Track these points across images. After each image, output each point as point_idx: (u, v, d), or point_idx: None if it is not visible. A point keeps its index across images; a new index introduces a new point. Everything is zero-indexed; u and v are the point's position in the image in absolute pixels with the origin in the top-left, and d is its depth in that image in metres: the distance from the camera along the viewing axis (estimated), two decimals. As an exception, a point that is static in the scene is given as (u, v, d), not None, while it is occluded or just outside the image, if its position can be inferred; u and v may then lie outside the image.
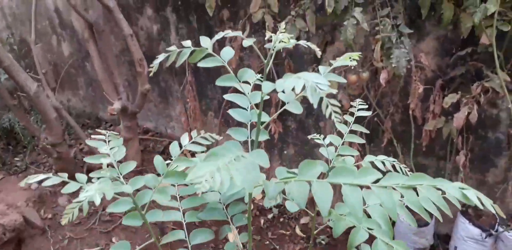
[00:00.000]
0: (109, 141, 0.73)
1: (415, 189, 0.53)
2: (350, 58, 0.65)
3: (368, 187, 0.52)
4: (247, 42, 0.64)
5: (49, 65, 3.88)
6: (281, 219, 2.46)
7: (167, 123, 3.24)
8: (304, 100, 2.09)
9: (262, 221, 2.43)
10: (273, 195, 0.57)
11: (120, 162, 0.74)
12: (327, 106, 0.47)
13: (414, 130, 1.93)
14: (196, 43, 2.32)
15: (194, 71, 2.65)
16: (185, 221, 0.77)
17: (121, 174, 0.71)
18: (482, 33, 1.51)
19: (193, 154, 2.81)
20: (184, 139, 0.74)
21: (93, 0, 2.37)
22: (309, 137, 0.88)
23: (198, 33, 2.51)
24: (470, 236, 1.90)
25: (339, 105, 0.50)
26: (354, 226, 0.69)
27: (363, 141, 0.88)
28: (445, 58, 1.75)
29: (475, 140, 1.84)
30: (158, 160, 0.72)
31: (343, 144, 0.91)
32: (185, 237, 0.76)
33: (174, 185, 0.79)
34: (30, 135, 3.28)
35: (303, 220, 2.42)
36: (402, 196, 0.80)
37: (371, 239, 0.67)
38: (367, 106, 0.92)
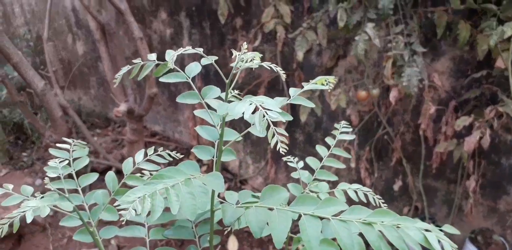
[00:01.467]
0: (73, 151, 0.74)
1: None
2: (326, 81, 0.63)
3: (328, 219, 0.50)
4: (206, 60, 0.63)
5: (61, 63, 3.96)
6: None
7: (175, 128, 3.26)
8: (312, 113, 2.08)
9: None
10: (230, 221, 0.56)
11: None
12: (273, 135, 0.46)
13: (425, 150, 1.90)
14: (208, 50, 2.34)
15: (204, 76, 2.66)
16: (148, 238, 0.76)
17: (80, 186, 0.71)
18: (498, 56, 1.48)
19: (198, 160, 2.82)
20: (139, 156, 0.73)
21: (107, 2, 2.41)
22: (284, 159, 0.86)
23: (211, 40, 2.52)
24: (476, 265, 1.86)
25: (286, 134, 0.48)
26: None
27: (343, 166, 0.86)
28: (460, 79, 1.72)
29: (487, 165, 1.79)
30: (109, 177, 0.71)
31: (322, 167, 0.88)
32: None
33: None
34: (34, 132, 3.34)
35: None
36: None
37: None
38: (351, 129, 0.90)
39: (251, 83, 2.35)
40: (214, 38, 2.48)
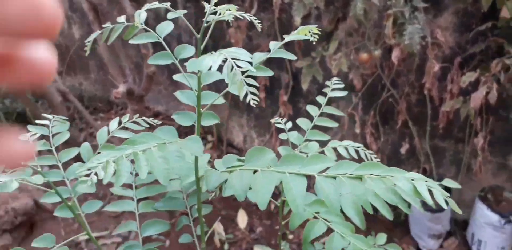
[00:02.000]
0: (53, 126, 0.70)
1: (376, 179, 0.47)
2: (310, 31, 0.57)
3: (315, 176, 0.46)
4: (173, 14, 0.58)
5: (58, 48, 3.90)
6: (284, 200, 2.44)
7: (177, 107, 3.23)
8: (315, 80, 2.04)
9: (272, 206, 2.41)
10: (214, 186, 0.52)
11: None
12: (241, 86, 0.41)
13: (431, 110, 1.86)
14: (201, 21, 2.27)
15: (204, 50, 2.61)
16: (138, 211, 0.72)
17: (60, 161, 0.68)
18: (503, 6, 1.42)
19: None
20: (113, 124, 0.69)
21: (97, -20, 2.35)
22: (272, 120, 0.82)
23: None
24: (488, 223, 1.84)
25: (257, 85, 0.44)
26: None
27: (335, 125, 0.82)
28: (464, 33, 1.66)
29: (495, 121, 1.76)
30: (84, 148, 0.68)
31: (313, 127, 0.84)
32: (137, 229, 0.71)
33: (132, 173, 0.75)
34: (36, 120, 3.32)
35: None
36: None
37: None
38: (343, 85, 0.85)
39: (251, 54, 2.30)
40: (209, 10, 2.42)
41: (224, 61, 0.41)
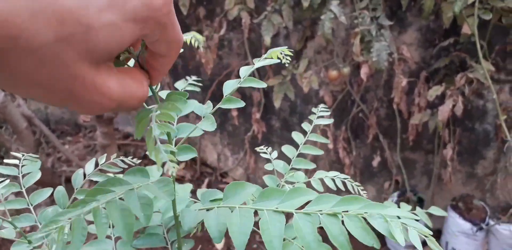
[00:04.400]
0: (23, 166, 0.63)
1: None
2: (281, 53, 0.52)
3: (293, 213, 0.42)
4: None
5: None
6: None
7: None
8: (286, 98, 2.02)
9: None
10: (190, 226, 0.47)
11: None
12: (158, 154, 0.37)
13: (400, 124, 1.87)
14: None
15: (172, 71, 2.55)
16: None
17: (31, 204, 0.61)
18: (464, 22, 1.45)
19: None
20: (89, 167, 0.62)
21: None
22: (257, 149, 0.78)
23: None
24: (460, 231, 1.85)
25: (175, 150, 0.39)
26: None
27: (321, 152, 0.78)
28: (429, 49, 1.69)
29: (462, 132, 1.78)
30: (58, 193, 0.61)
31: (298, 156, 0.81)
32: None
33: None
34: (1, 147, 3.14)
35: (292, 221, 2.35)
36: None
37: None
38: (329, 113, 0.82)
39: (221, 74, 2.27)
40: (177, 31, 2.38)
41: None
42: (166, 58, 0.35)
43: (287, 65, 0.57)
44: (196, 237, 2.27)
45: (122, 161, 0.62)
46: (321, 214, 0.40)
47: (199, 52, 2.11)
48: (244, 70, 0.54)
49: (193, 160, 2.81)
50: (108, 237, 0.64)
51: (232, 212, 0.42)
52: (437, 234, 2.11)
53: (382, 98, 1.90)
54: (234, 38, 2.15)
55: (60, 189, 0.60)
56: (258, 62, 0.51)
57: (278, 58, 0.54)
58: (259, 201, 0.43)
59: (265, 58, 0.52)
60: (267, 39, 1.84)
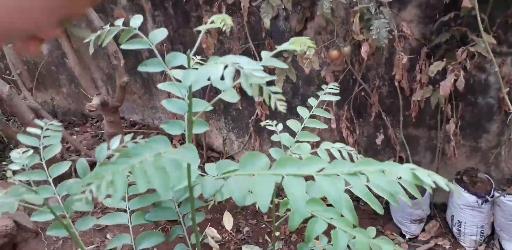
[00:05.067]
0: (45, 136, 0.63)
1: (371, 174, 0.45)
2: (303, 44, 0.54)
3: (313, 177, 0.44)
4: (137, 20, 0.54)
5: (26, 65, 3.73)
6: (276, 202, 2.40)
7: (153, 115, 3.14)
8: (288, 80, 2.00)
9: (256, 205, 2.37)
10: (211, 193, 0.49)
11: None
12: (269, 96, 0.38)
13: (402, 101, 1.86)
14: (174, 30, 2.21)
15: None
16: (131, 224, 0.67)
17: (50, 177, 0.61)
18: (464, -5, 1.42)
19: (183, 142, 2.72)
20: (115, 142, 0.63)
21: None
22: (262, 123, 0.79)
23: (175, 19, 2.39)
24: (466, 204, 1.86)
25: (281, 91, 0.41)
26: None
27: (324, 126, 0.79)
28: (429, 25, 1.66)
29: (465, 107, 1.77)
30: (80, 164, 0.62)
31: (303, 129, 0.81)
32: (131, 242, 0.66)
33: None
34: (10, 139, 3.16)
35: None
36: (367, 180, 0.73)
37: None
38: (338, 91, 0.82)
39: (222, 59, 2.25)
40: (178, 17, 2.35)
41: (237, 70, 0.38)
42: None
43: (308, 53, 0.59)
44: (206, 219, 2.29)
45: (135, 142, 0.62)
46: (343, 174, 0.43)
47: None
48: (265, 53, 0.56)
49: (199, 145, 2.82)
50: (123, 210, 0.65)
51: (251, 178, 0.45)
52: (443, 208, 2.12)
53: (383, 76, 1.88)
54: (234, 22, 2.12)
55: (82, 161, 0.61)
56: (281, 47, 0.54)
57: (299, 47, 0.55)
58: (276, 168, 0.45)
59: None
60: (267, 22, 1.81)
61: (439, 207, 2.12)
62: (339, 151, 0.79)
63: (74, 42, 2.40)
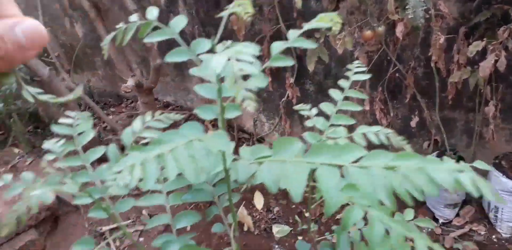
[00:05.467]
0: (77, 125, 0.67)
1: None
2: (331, 20, 0.53)
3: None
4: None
5: (63, 48, 3.86)
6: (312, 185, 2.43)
7: (186, 96, 3.20)
8: (320, 61, 1.99)
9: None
10: (244, 179, 0.50)
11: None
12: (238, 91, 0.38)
13: (439, 83, 1.82)
14: (205, 13, 2.22)
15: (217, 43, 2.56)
16: (169, 204, 0.71)
17: (87, 161, 0.65)
18: (508, -30, 1.36)
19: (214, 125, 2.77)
20: (137, 124, 0.65)
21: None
22: (295, 107, 0.78)
23: (206, 2, 2.40)
24: (504, 190, 1.82)
25: (253, 90, 0.41)
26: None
27: (359, 108, 0.78)
28: (468, 3, 1.60)
29: (505, 88, 1.71)
30: (110, 149, 0.65)
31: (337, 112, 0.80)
32: (169, 221, 0.70)
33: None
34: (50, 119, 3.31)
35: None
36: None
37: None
38: (365, 69, 0.81)
39: (254, 40, 2.25)
40: (209, -1, 2.36)
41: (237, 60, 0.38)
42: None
43: (336, 33, 0.59)
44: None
45: (167, 117, 0.65)
46: (378, 168, 0.42)
47: (230, 20, 2.10)
48: (293, 33, 0.57)
49: (231, 126, 2.87)
50: (158, 191, 0.69)
51: (284, 165, 0.44)
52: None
53: (419, 57, 1.84)
54: (265, 3, 2.11)
55: (112, 146, 0.64)
56: (308, 25, 0.54)
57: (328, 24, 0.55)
58: (310, 155, 0.45)
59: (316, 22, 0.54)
60: (298, 2, 1.80)
61: (475, 192, 2.08)
62: (376, 135, 0.78)
63: (108, 25, 2.46)
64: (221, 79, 0.53)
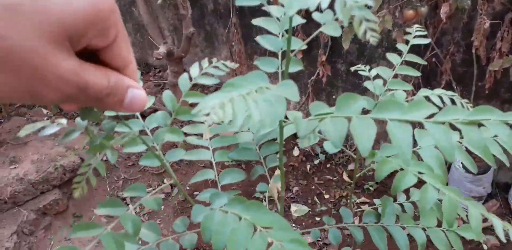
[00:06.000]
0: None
1: (479, 126, 0.41)
2: None
3: (419, 124, 0.41)
4: None
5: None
6: (328, 165, 2.44)
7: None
8: (355, 40, 1.97)
9: (308, 167, 2.42)
10: (305, 134, 0.49)
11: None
12: (360, 23, 0.35)
13: (477, 70, 1.77)
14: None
15: (239, 12, 2.55)
16: (214, 160, 0.72)
17: (148, 128, 0.68)
18: None
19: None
20: (194, 70, 0.66)
21: None
22: (352, 68, 0.78)
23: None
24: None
25: (377, 20, 0.39)
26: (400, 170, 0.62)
27: (418, 74, 0.77)
28: (519, -13, 1.54)
29: (547, 81, 1.66)
30: (167, 96, 0.67)
31: (394, 77, 0.79)
32: (215, 177, 0.72)
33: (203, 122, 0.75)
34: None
35: (351, 166, 2.39)
36: (460, 137, 0.72)
37: (419, 185, 0.61)
38: (426, 32, 0.80)
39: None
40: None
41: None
42: (131, 66, 0.35)
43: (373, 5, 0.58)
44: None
45: (224, 64, 0.65)
46: (458, 123, 0.40)
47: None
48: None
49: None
50: (206, 148, 0.72)
51: (351, 120, 0.44)
52: (505, 187, 2.05)
53: (459, 42, 1.79)
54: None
55: (167, 93, 0.66)
56: None
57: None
58: (376, 112, 0.44)
59: None
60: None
61: (501, 186, 2.06)
62: (440, 97, 0.77)
63: (143, -10, 2.47)
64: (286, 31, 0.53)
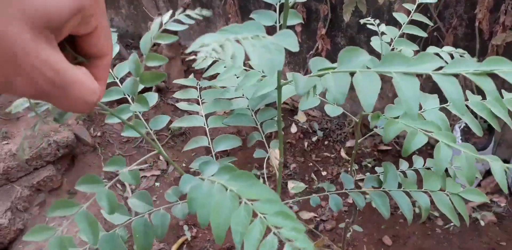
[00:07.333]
0: None
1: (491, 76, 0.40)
2: None
3: (428, 77, 0.42)
4: None
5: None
6: (326, 142, 2.48)
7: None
8: (356, 12, 1.97)
9: (306, 144, 2.47)
10: (304, 91, 0.46)
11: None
12: None
13: (479, 44, 1.79)
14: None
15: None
16: (208, 126, 0.71)
17: (117, 78, 0.67)
18: None
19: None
20: (165, 17, 0.63)
21: None
22: (362, 20, 0.77)
23: None
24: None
25: None
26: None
27: (424, 34, 0.77)
28: (525, -43, 1.55)
29: (550, 56, 1.68)
30: (132, 58, 0.64)
31: (401, 36, 0.79)
32: (208, 144, 0.70)
33: (196, 87, 0.75)
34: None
35: (349, 143, 2.43)
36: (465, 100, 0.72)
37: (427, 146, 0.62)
38: None
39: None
40: None
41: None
42: (106, 58, 0.36)
43: None
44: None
45: (197, 13, 0.59)
46: (468, 74, 0.40)
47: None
48: None
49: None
50: (197, 113, 0.71)
51: (354, 75, 0.43)
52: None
53: (462, 15, 1.80)
54: None
55: (134, 56, 0.63)
56: None
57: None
58: (382, 66, 0.43)
59: None
60: None
61: None
62: (450, 55, 0.77)
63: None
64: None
